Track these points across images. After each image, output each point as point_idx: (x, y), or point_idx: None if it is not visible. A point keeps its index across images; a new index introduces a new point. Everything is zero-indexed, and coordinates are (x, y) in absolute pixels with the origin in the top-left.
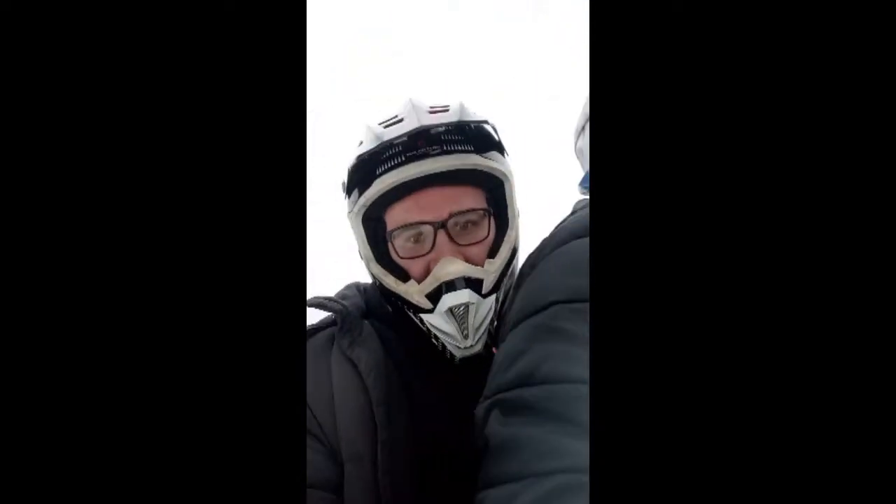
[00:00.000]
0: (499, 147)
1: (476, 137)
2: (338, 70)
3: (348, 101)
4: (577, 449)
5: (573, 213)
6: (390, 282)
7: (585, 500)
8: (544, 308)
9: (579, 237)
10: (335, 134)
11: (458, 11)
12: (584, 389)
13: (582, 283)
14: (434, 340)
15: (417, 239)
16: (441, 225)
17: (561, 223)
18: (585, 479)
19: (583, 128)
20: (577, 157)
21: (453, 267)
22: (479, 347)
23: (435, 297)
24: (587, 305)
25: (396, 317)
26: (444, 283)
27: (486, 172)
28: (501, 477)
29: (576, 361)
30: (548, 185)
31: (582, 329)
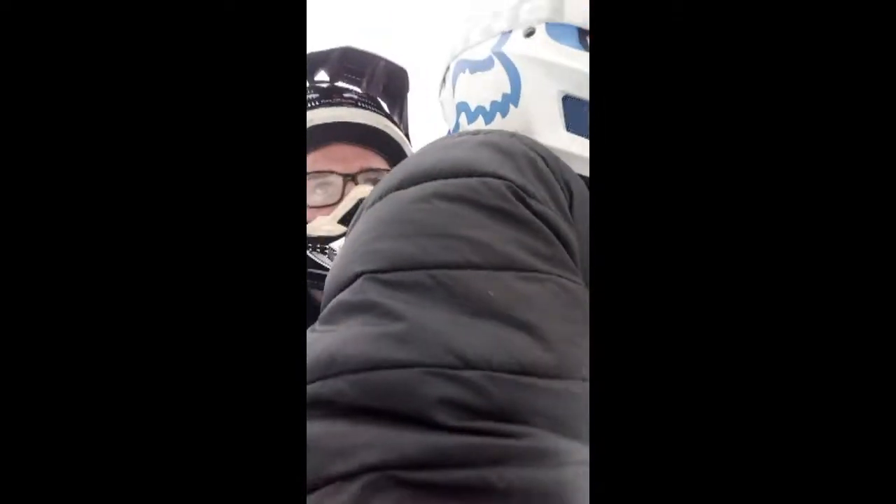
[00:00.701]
0: (406, 134)
1: (387, 114)
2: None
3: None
4: (391, 441)
5: None
6: None
7: (399, 495)
8: (350, 281)
9: (395, 190)
10: None
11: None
12: (398, 374)
13: (399, 248)
14: None
15: (325, 189)
16: (351, 177)
17: None
18: (401, 473)
19: (444, 80)
20: (442, 111)
21: (369, 187)
22: None
23: (348, 219)
24: (402, 275)
25: None
26: (361, 199)
27: (396, 142)
28: None
29: (388, 341)
30: None
31: (396, 303)
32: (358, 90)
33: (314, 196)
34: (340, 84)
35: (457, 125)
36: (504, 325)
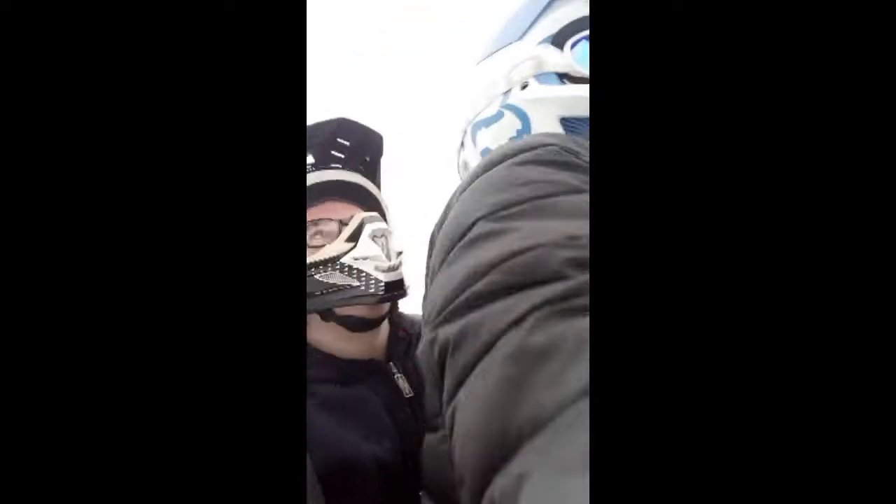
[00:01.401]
0: (378, 184)
1: (365, 166)
2: (337, 73)
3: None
4: (543, 291)
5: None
6: None
7: (558, 317)
8: (469, 228)
9: (479, 176)
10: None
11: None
12: (532, 254)
13: (502, 197)
14: (357, 280)
15: (322, 232)
16: (346, 222)
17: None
18: (555, 305)
19: (462, 143)
20: (460, 173)
21: (367, 213)
22: (400, 273)
23: (356, 236)
24: (508, 211)
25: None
26: (365, 217)
27: (374, 196)
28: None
29: (515, 240)
30: None
31: (509, 224)
32: (343, 156)
33: (315, 239)
34: (333, 153)
35: None
36: (583, 219)
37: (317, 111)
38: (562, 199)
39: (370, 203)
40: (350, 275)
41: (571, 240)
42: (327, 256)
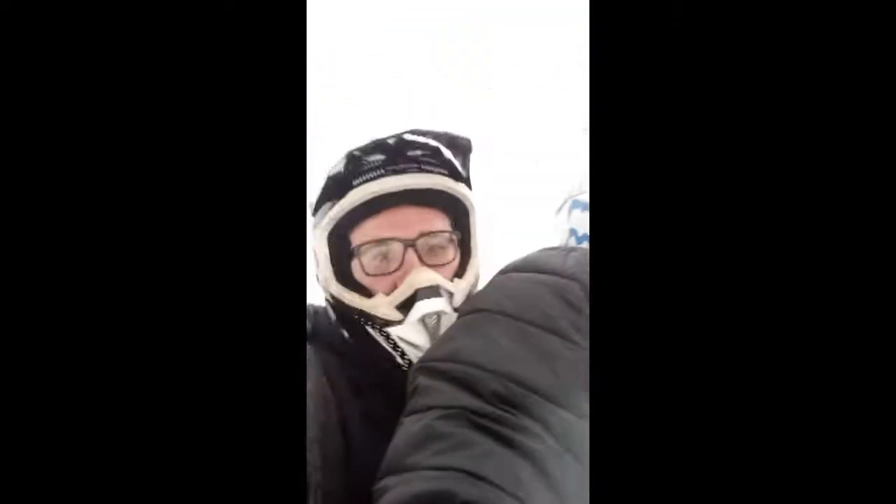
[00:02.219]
0: (467, 181)
1: (449, 165)
2: (337, 73)
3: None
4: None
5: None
6: (353, 298)
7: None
8: (474, 312)
9: (519, 271)
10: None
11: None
12: (481, 374)
13: (506, 303)
14: (401, 358)
15: (386, 256)
16: (411, 243)
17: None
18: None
19: (560, 209)
20: (557, 229)
21: (428, 275)
22: None
23: (406, 306)
24: (505, 318)
25: (352, 340)
26: (419, 289)
27: (456, 198)
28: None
29: (481, 353)
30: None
31: (494, 331)
32: (419, 152)
33: (374, 262)
34: (407, 152)
35: (566, 244)
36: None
37: (317, 111)
38: (540, 335)
39: (454, 209)
40: (394, 347)
41: (511, 377)
42: (375, 314)
